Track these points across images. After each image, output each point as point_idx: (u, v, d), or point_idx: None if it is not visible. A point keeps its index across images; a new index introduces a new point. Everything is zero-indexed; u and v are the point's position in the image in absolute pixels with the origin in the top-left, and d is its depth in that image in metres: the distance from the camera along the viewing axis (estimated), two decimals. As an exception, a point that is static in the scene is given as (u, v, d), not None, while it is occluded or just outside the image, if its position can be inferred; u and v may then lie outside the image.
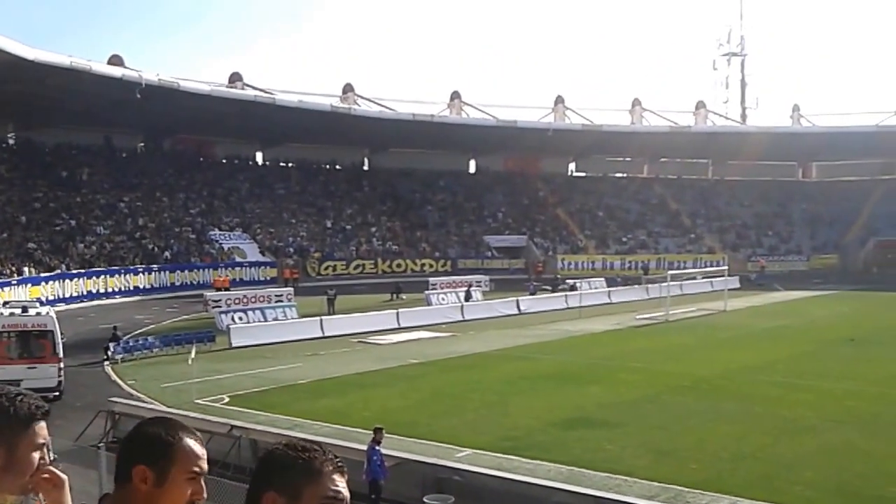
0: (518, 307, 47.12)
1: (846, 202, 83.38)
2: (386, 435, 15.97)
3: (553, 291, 54.32)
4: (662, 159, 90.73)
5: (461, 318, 43.04)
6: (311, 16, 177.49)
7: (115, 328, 32.04)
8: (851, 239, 79.62)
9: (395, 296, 50.77)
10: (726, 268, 53.95)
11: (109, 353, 30.11)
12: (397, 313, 41.27)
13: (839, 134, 79.91)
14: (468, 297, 49.66)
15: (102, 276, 50.32)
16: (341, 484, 2.16)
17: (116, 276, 51.28)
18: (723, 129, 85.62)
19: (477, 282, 56.24)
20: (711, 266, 59.79)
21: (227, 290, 50.69)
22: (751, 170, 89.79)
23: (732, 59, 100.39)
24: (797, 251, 79.36)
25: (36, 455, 2.30)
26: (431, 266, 67.90)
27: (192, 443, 2.32)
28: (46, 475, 2.30)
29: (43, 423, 2.33)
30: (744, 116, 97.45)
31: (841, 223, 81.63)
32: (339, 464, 2.18)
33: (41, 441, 2.32)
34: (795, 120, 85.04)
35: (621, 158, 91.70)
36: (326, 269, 64.06)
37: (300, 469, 2.13)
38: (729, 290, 50.83)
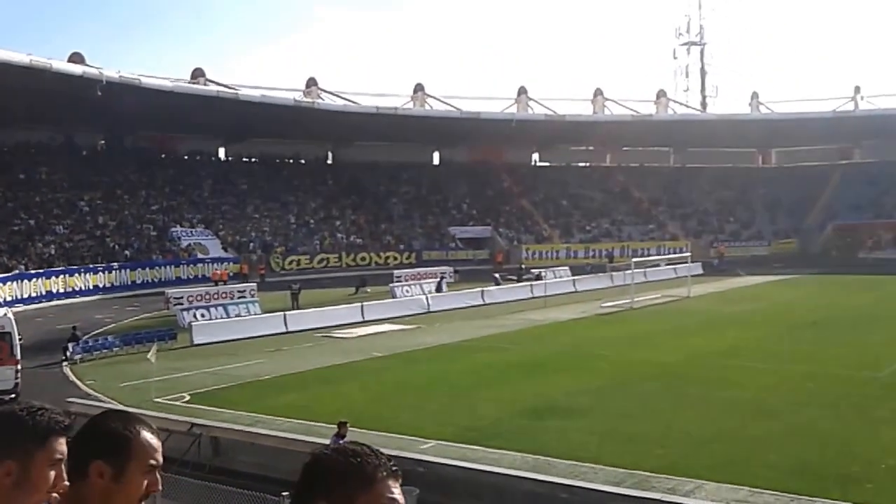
0: (483, 298, 46.94)
1: (805, 187, 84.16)
2: (350, 429, 15.85)
3: (518, 281, 54.27)
4: (625, 148, 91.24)
5: (426, 310, 42.90)
6: (276, 11, 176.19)
7: (74, 328, 31.59)
8: (811, 223, 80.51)
9: (359, 289, 50.37)
10: (689, 254, 54.19)
11: (68, 353, 29.60)
12: (362, 307, 40.97)
13: (797, 120, 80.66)
14: (439, 288, 49.45)
15: (62, 276, 49.47)
16: (396, 491, 2.01)
17: (76, 275, 50.42)
18: (683, 117, 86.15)
19: (442, 273, 55.95)
20: (675, 253, 60.05)
21: (225, 282, 50.57)
22: (712, 157, 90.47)
23: (692, 49, 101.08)
24: (758, 237, 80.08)
25: (52, 472, 2.19)
26: (396, 259, 67.65)
27: (148, 436, 2.30)
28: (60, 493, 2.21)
29: (62, 439, 2.24)
30: (704, 104, 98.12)
31: (800, 208, 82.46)
32: (394, 468, 2.03)
33: (58, 457, 2.21)
34: (754, 107, 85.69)
35: (584, 148, 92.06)
36: (290, 263, 63.55)
37: (352, 476, 1.97)
38: (692, 276, 51.28)
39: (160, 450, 2.30)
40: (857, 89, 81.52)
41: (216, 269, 55.65)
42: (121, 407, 21.11)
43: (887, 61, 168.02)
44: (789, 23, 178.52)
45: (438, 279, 52.05)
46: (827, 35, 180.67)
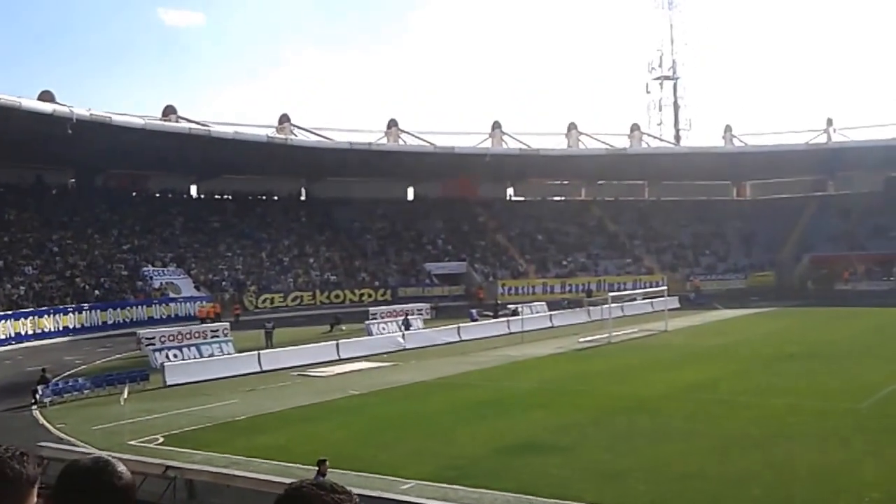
0: (459, 334, 46.68)
1: (780, 220, 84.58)
2: (329, 469, 15.51)
3: (494, 317, 53.99)
4: (600, 182, 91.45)
5: (402, 348, 42.58)
6: (246, 51, 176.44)
7: (43, 370, 31.01)
8: (787, 256, 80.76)
9: (334, 327, 49.96)
10: (665, 288, 54.23)
11: (38, 396, 28.93)
12: (337, 345, 40.64)
13: (771, 153, 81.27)
14: (407, 325, 49.03)
15: (31, 317, 48.61)
16: None
17: (45, 316, 49.57)
18: (657, 150, 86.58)
19: (418, 310, 55.66)
20: (651, 287, 60.09)
21: (213, 319, 50.10)
22: (686, 190, 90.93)
23: (665, 83, 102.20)
24: (734, 269, 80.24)
25: None
26: (371, 296, 67.28)
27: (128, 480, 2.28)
28: None
29: (34, 490, 2.20)
30: (678, 138, 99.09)
31: (776, 240, 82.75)
32: None
33: None
34: (728, 140, 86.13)
35: (559, 182, 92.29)
36: (264, 302, 63.04)
37: None
38: (669, 310, 51.32)
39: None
40: (830, 122, 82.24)
41: (202, 307, 55.23)
42: (94, 451, 20.67)
43: (858, 94, 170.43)
44: (761, 56, 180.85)
45: (404, 317, 51.19)
46: (798, 69, 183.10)
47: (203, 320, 50.23)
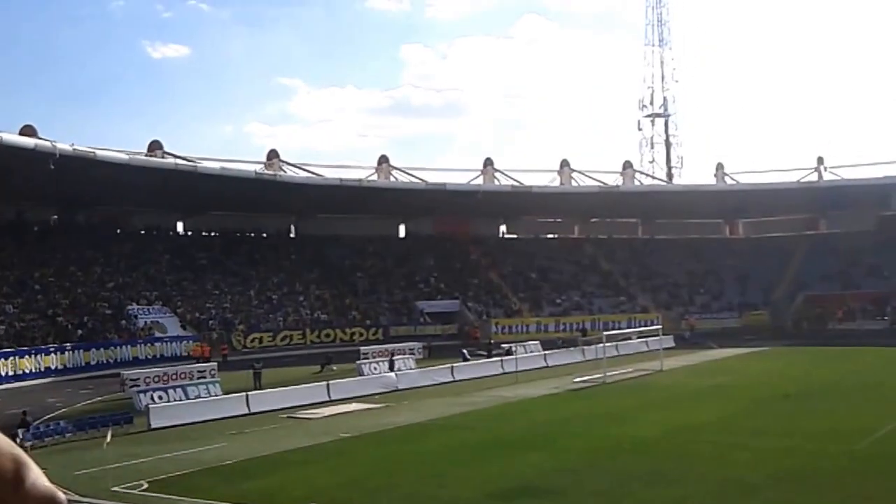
0: (453, 374, 46.10)
1: (774, 258, 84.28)
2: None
3: (488, 357, 53.15)
4: (593, 219, 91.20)
5: (395, 388, 41.90)
6: (232, 83, 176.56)
7: (24, 413, 29.90)
8: (781, 295, 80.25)
9: (325, 367, 49.16)
10: (660, 327, 53.64)
11: (18, 440, 27.75)
12: (328, 385, 39.92)
13: (763, 191, 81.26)
14: (391, 366, 47.88)
15: (11, 358, 47.39)
16: None
17: (26, 356, 48.35)
18: (650, 188, 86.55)
19: (410, 349, 54.89)
20: (646, 325, 59.42)
21: (207, 359, 49.17)
22: (679, 228, 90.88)
23: (656, 120, 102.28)
24: (729, 308, 79.69)
25: None
26: (362, 335, 66.32)
27: None
28: None
29: None
30: (670, 175, 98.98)
31: (770, 279, 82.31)
32: None
33: None
34: (720, 178, 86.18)
35: (552, 219, 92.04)
36: (252, 341, 61.94)
37: None
38: (664, 349, 51.23)
39: None
40: (821, 160, 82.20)
41: (196, 345, 54.50)
42: (77, 498, 20.24)
43: (849, 133, 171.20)
44: (752, 94, 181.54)
45: (389, 357, 49.95)
46: (789, 107, 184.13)
47: (197, 360, 49.28)
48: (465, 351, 53.55)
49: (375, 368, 47.56)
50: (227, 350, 57.13)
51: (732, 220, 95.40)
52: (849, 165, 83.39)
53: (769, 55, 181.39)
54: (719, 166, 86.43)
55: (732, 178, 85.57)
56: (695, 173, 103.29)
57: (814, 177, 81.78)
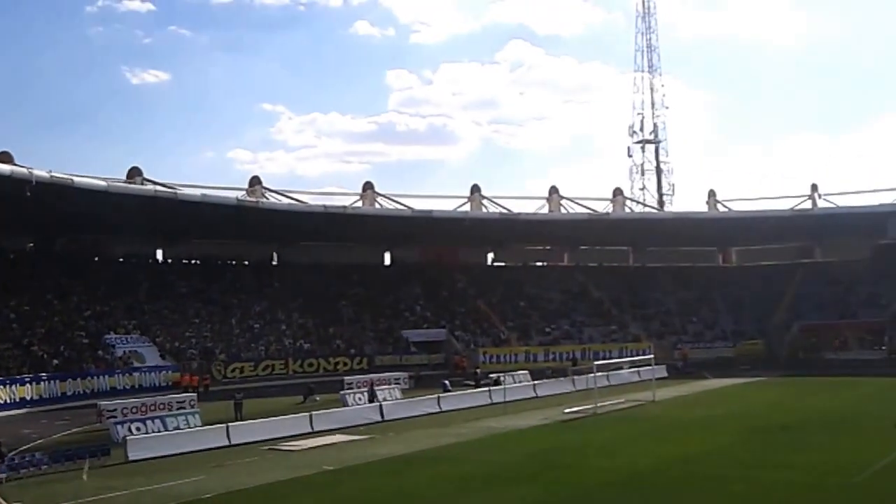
0: (439, 405, 44.77)
1: (768, 286, 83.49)
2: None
3: (476, 386, 51.65)
4: (582, 247, 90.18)
5: (380, 419, 40.67)
6: (213, 109, 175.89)
7: (-1, 444, 28.95)
8: (776, 323, 79.10)
9: (307, 397, 48.02)
10: (652, 356, 52.35)
11: (-7, 472, 26.89)
12: (310, 416, 38.51)
13: (756, 219, 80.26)
14: (372, 397, 46.47)
15: (-15, 388, 46.17)
16: None
17: (0, 387, 46.98)
18: (641, 215, 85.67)
19: (395, 379, 53.63)
20: (637, 355, 58.16)
21: (195, 389, 48.15)
22: (671, 256, 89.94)
23: (647, 147, 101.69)
24: (723, 337, 78.50)
25: None
26: (346, 364, 64.99)
27: None
28: None
29: None
30: (661, 202, 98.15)
31: (764, 308, 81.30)
32: None
33: None
34: (712, 205, 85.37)
35: (541, 247, 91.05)
36: (233, 371, 60.48)
37: None
38: (657, 379, 50.66)
39: None
40: (815, 187, 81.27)
41: (185, 375, 53.68)
42: None
43: (842, 160, 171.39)
44: (744, 121, 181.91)
45: (369, 387, 48.61)
46: (781, 132, 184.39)
47: (186, 389, 48.00)
48: (446, 382, 51.94)
49: (360, 399, 46.42)
50: (209, 380, 56.13)
51: (725, 248, 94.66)
52: (843, 193, 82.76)
53: (761, 80, 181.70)
54: (711, 193, 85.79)
55: (725, 206, 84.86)
56: (686, 201, 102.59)
57: (808, 204, 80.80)
